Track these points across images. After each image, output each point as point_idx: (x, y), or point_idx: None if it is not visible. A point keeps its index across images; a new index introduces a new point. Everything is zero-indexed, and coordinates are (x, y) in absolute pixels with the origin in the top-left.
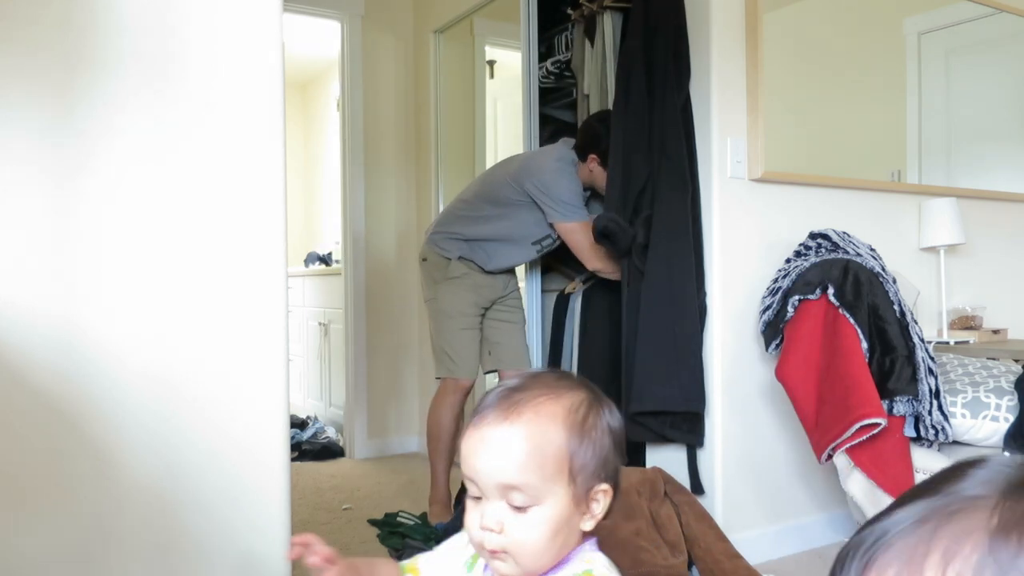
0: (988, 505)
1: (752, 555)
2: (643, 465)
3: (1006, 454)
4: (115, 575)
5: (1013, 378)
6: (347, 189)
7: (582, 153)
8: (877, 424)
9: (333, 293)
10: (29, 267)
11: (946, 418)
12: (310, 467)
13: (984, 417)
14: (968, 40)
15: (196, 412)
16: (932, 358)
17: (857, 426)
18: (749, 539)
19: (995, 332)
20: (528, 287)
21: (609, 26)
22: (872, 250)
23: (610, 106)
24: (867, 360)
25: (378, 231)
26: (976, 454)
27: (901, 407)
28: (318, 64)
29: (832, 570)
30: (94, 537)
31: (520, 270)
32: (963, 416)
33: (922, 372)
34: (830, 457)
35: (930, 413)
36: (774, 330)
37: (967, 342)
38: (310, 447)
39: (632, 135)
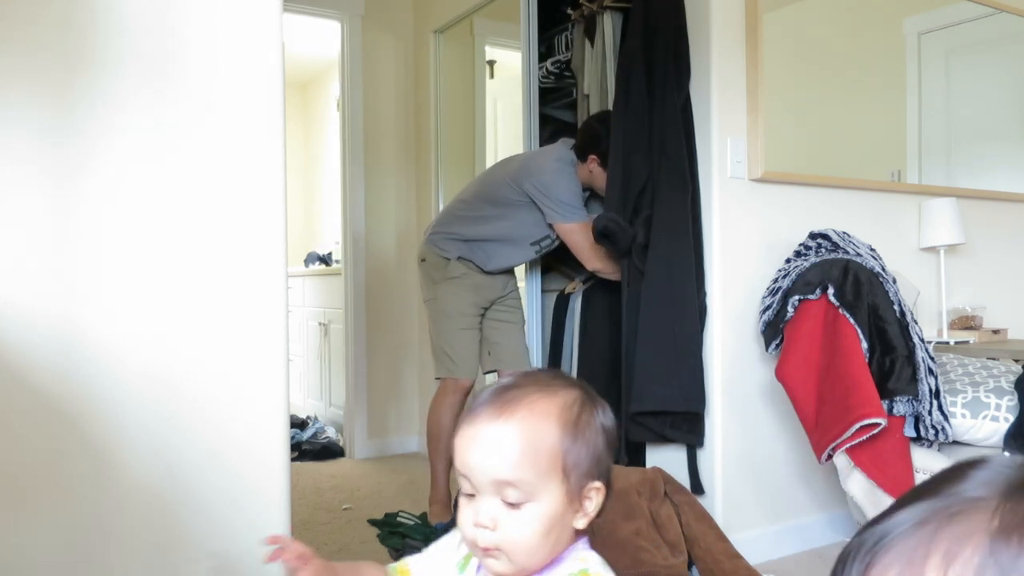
0: (989, 507)
1: (752, 555)
2: (643, 465)
3: (1006, 454)
4: (115, 575)
5: (1013, 378)
6: (347, 189)
7: (582, 153)
8: (877, 424)
9: (333, 293)
10: (29, 267)
11: (946, 418)
12: (310, 467)
13: (984, 417)
14: (968, 40)
15: (196, 412)
16: (932, 358)
17: (857, 426)
18: (749, 539)
19: (995, 332)
20: (528, 287)
21: (609, 26)
22: (872, 250)
23: (610, 106)
24: (867, 360)
25: (378, 231)
26: (976, 454)
27: (901, 407)
28: (318, 64)
29: (833, 571)
30: (94, 537)
31: (520, 270)
32: (963, 416)
33: (922, 372)
34: (830, 457)
35: (930, 413)
36: (774, 330)
37: (967, 342)
38: (310, 447)
39: (632, 135)
